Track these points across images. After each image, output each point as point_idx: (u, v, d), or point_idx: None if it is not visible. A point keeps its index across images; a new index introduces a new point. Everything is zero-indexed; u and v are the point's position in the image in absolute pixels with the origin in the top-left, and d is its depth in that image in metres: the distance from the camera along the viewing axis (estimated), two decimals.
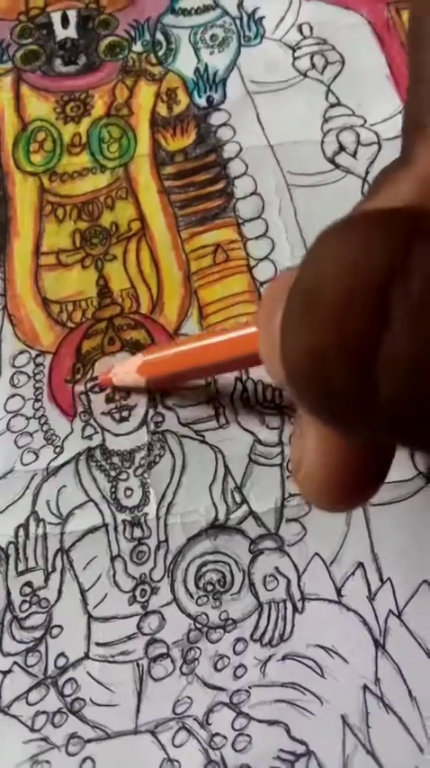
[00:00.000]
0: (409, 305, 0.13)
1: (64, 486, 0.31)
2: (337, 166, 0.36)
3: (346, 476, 0.18)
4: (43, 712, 0.28)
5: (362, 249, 0.14)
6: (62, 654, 0.29)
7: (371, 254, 0.14)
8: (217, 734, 0.28)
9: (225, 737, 0.28)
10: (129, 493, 0.31)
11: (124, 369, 0.32)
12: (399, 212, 0.14)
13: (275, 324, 0.16)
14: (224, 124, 0.37)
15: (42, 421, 0.32)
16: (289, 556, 0.30)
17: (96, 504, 0.31)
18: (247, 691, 0.28)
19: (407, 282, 0.13)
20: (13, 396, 0.32)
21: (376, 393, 0.14)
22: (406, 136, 0.20)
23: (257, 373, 0.32)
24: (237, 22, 0.40)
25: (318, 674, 0.28)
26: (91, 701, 0.28)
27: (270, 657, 0.29)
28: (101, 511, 0.30)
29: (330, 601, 0.29)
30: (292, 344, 0.15)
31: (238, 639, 0.29)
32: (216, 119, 0.37)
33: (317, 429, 0.18)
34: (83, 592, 0.29)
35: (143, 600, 0.29)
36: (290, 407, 0.32)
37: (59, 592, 0.29)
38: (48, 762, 0.27)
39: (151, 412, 0.32)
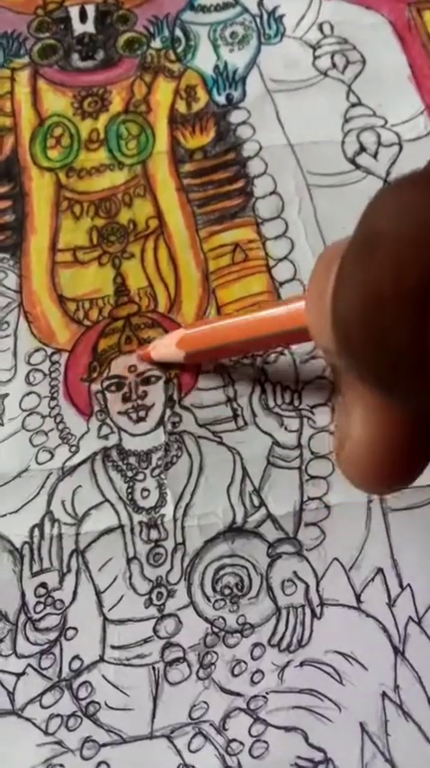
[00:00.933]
0: None
1: (79, 486, 0.30)
2: (358, 167, 0.36)
3: (394, 452, 0.17)
4: (57, 715, 0.28)
5: (424, 200, 0.14)
6: (77, 656, 0.28)
7: None
8: (233, 740, 0.27)
9: (242, 743, 0.27)
10: (145, 494, 0.30)
11: (164, 342, 0.31)
12: None
13: (327, 291, 0.16)
14: (243, 122, 0.37)
15: (58, 420, 0.31)
16: (307, 560, 0.30)
17: (112, 505, 0.30)
18: (265, 696, 0.28)
19: None
20: (28, 394, 0.32)
21: None
22: None
23: (277, 377, 0.32)
24: (257, 19, 0.39)
25: (336, 680, 0.28)
26: (106, 704, 0.28)
27: (288, 663, 0.28)
28: (117, 512, 0.30)
29: (349, 606, 0.29)
30: (348, 290, 0.15)
31: (256, 644, 0.29)
32: (235, 117, 0.37)
33: (364, 402, 0.17)
34: (98, 594, 0.29)
35: (159, 603, 0.29)
36: (309, 410, 0.31)
37: (74, 593, 0.29)
38: (62, 765, 0.27)
39: (168, 412, 0.31)
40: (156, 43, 0.39)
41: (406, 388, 0.15)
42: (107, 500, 0.30)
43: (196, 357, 0.31)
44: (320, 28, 0.39)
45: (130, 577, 0.29)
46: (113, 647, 0.28)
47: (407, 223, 0.14)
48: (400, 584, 0.29)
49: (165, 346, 0.31)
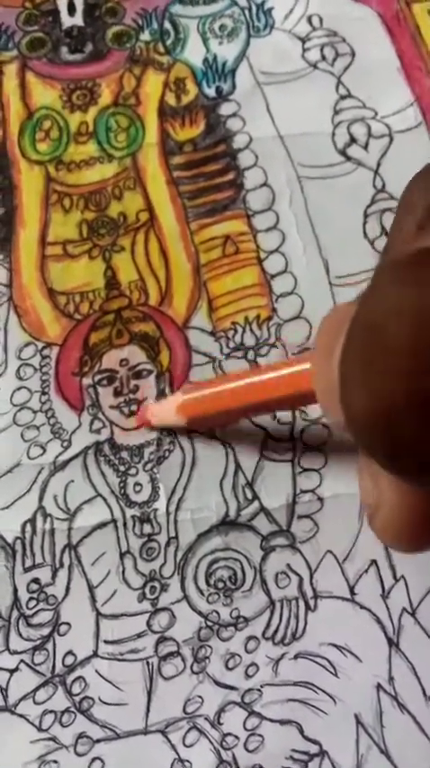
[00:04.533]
0: None
1: (71, 480, 0.30)
2: (348, 159, 0.36)
3: (428, 518, 0.17)
4: (51, 711, 0.27)
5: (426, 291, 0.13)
6: (70, 652, 0.28)
7: None
8: (228, 734, 0.27)
9: (237, 737, 0.27)
10: (138, 488, 0.30)
11: (164, 407, 0.30)
12: None
13: (333, 363, 0.15)
14: (233, 115, 0.37)
15: (49, 414, 0.31)
16: (301, 553, 0.29)
17: (105, 500, 0.30)
18: (259, 690, 0.28)
19: None
20: (19, 389, 0.31)
21: None
22: None
23: None
24: (246, 12, 0.39)
25: (331, 672, 0.28)
26: (100, 699, 0.28)
27: (282, 656, 0.28)
28: (109, 506, 0.30)
29: (343, 599, 0.29)
30: (356, 395, 0.14)
31: (250, 638, 0.28)
32: (225, 109, 0.37)
33: (389, 476, 0.17)
34: (91, 588, 0.29)
35: (153, 597, 0.29)
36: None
37: (67, 588, 0.29)
38: (56, 762, 0.27)
39: None
40: (145, 36, 0.38)
41: (423, 479, 0.14)
42: (99, 495, 0.30)
43: (199, 423, 0.30)
44: (309, 20, 0.39)
45: (124, 572, 0.29)
46: (107, 642, 0.28)
47: (410, 322, 0.13)
48: (394, 576, 0.29)
49: (166, 411, 0.30)
